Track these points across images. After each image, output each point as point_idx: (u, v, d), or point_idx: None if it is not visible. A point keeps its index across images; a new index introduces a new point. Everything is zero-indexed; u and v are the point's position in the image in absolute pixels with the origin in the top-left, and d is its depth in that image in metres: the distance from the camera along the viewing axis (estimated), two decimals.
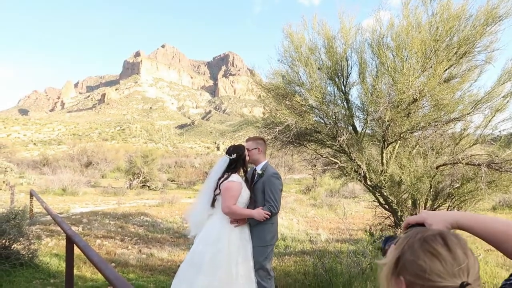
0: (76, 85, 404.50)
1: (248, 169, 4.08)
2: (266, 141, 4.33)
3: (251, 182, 3.96)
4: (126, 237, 9.86)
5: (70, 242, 3.82)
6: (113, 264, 6.97)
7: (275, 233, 3.90)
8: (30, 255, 6.07)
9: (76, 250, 3.76)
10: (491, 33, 5.77)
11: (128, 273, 6.60)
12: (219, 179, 3.76)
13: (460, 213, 1.13)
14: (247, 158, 3.94)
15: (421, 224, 1.14)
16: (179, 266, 3.80)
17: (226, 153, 3.89)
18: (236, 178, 3.73)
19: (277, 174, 3.88)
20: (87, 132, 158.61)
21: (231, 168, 3.80)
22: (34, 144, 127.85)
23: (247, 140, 4.13)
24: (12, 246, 5.91)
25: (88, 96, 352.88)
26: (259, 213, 3.66)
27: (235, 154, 3.82)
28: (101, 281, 5.74)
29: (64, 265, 5.78)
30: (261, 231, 3.78)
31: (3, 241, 5.79)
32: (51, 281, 5.68)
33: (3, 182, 20.76)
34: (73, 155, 39.01)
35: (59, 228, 9.02)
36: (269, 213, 3.68)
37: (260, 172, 3.91)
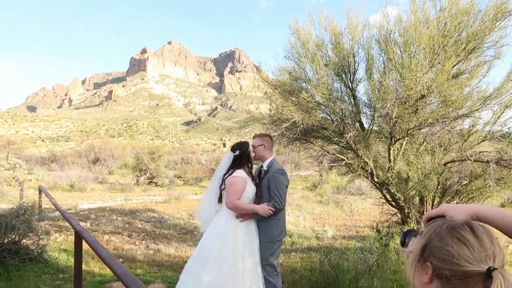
0: (83, 82, 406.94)
1: (254, 165, 4.11)
2: (272, 138, 4.34)
3: (258, 178, 3.98)
4: (133, 233, 9.93)
5: (79, 238, 3.86)
6: (120, 260, 7.03)
7: (282, 229, 3.91)
8: (39, 250, 6.14)
9: (85, 246, 3.79)
10: (501, 28, 5.70)
11: (136, 268, 6.66)
12: (224, 175, 3.82)
13: (479, 205, 1.15)
14: (253, 154, 3.97)
15: (442, 217, 1.16)
16: (186, 261, 3.84)
17: (231, 150, 3.96)
18: (240, 174, 3.78)
19: (282, 170, 3.89)
20: (94, 128, 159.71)
21: (236, 164, 3.86)
22: (42, 140, 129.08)
23: (253, 137, 4.15)
24: (22, 241, 5.98)
25: (95, 93, 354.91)
26: (263, 208, 3.68)
27: (238, 151, 3.88)
28: (109, 276, 5.80)
29: (72, 260, 5.85)
30: (268, 227, 3.79)
31: (13, 236, 5.86)
32: (60, 276, 5.75)
33: (13, 178, 20.98)
34: (81, 152, 39.31)
35: (67, 224, 9.11)
36: (273, 209, 3.69)
37: (265, 168, 3.93)
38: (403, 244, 1.25)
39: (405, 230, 1.30)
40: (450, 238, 0.96)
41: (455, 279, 0.92)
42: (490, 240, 0.95)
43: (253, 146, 4.01)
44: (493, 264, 0.91)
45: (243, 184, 3.76)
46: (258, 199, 3.88)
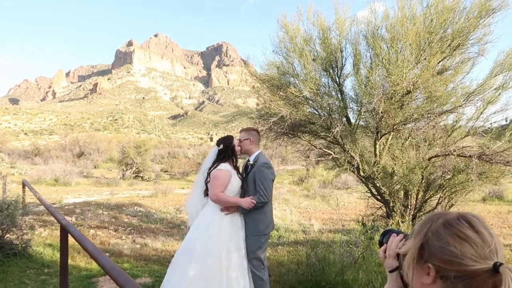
0: (67, 75, 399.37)
1: (241, 160, 4.14)
2: (259, 132, 4.35)
3: (244, 172, 4.00)
4: (119, 227, 9.86)
5: (64, 232, 3.82)
6: (107, 254, 6.98)
7: (269, 223, 3.93)
8: (23, 245, 6.06)
9: (70, 240, 3.76)
10: (485, 26, 5.80)
11: (123, 262, 6.63)
12: (209, 168, 3.87)
13: None
14: (238, 148, 4.00)
15: None
16: (173, 255, 3.84)
17: (216, 144, 4.01)
18: (224, 167, 3.82)
19: (267, 164, 3.91)
20: (79, 122, 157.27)
21: (220, 158, 3.91)
22: (25, 134, 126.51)
23: (240, 131, 4.17)
24: (5, 236, 5.89)
25: (80, 86, 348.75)
26: (246, 201, 3.71)
27: (223, 145, 3.94)
28: (96, 270, 5.76)
29: (57, 255, 5.79)
30: (254, 221, 3.82)
31: None
32: (45, 270, 5.68)
33: None
34: (65, 145, 38.71)
35: (52, 218, 8.99)
36: (255, 202, 3.70)
37: (252, 162, 3.95)
38: (381, 244, 1.29)
39: (384, 230, 1.34)
40: (450, 236, 0.92)
41: (462, 279, 0.90)
42: (488, 232, 0.92)
43: (239, 140, 4.02)
44: (497, 258, 0.89)
45: (227, 177, 3.79)
46: (243, 192, 3.90)
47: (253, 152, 4.04)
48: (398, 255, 1.19)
